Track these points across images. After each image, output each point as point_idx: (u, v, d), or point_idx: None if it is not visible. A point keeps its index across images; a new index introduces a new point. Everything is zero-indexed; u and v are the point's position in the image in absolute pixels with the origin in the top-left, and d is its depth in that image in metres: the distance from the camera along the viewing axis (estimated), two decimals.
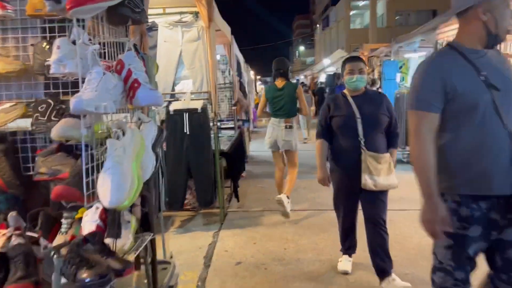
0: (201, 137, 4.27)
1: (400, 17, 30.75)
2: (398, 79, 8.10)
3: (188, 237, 4.24)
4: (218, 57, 7.20)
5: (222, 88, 7.06)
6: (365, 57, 11.31)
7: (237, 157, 5.33)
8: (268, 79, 24.62)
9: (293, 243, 3.98)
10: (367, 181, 2.83)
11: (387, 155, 2.96)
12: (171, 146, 4.30)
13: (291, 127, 4.57)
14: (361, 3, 33.45)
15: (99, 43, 1.85)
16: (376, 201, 2.92)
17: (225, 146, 5.16)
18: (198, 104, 4.32)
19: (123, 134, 1.73)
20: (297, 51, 61.09)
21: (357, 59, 3.14)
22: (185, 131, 4.25)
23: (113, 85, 1.68)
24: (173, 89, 4.70)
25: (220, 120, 6.94)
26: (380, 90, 8.13)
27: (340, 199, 3.13)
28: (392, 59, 8.61)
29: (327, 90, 16.74)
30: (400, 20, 30.62)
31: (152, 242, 2.18)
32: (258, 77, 33.18)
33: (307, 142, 10.68)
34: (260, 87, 25.35)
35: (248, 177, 6.95)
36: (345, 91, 3.13)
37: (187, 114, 4.25)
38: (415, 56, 8.14)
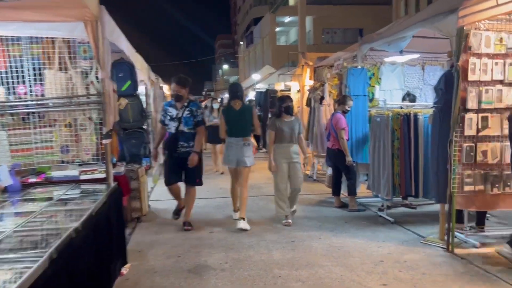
0: None
1: (327, 35, 29.81)
2: (377, 94, 5.42)
3: None
4: (81, 57, 3.94)
5: (81, 104, 3.71)
6: (311, 67, 8.80)
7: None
8: (192, 97, 21.73)
9: None
10: None
11: None
12: None
13: (249, 144, 5.20)
14: (286, 19, 31.92)
15: None
16: None
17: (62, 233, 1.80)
18: None
19: None
20: (220, 70, 58.78)
21: None
22: None
23: None
24: None
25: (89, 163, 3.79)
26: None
27: None
28: (359, 67, 5.95)
29: (257, 109, 13.99)
30: (327, 38, 29.68)
31: None
32: None
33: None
34: None
35: (133, 271, 3.60)
36: None
37: None
38: (399, 60, 5.51)
